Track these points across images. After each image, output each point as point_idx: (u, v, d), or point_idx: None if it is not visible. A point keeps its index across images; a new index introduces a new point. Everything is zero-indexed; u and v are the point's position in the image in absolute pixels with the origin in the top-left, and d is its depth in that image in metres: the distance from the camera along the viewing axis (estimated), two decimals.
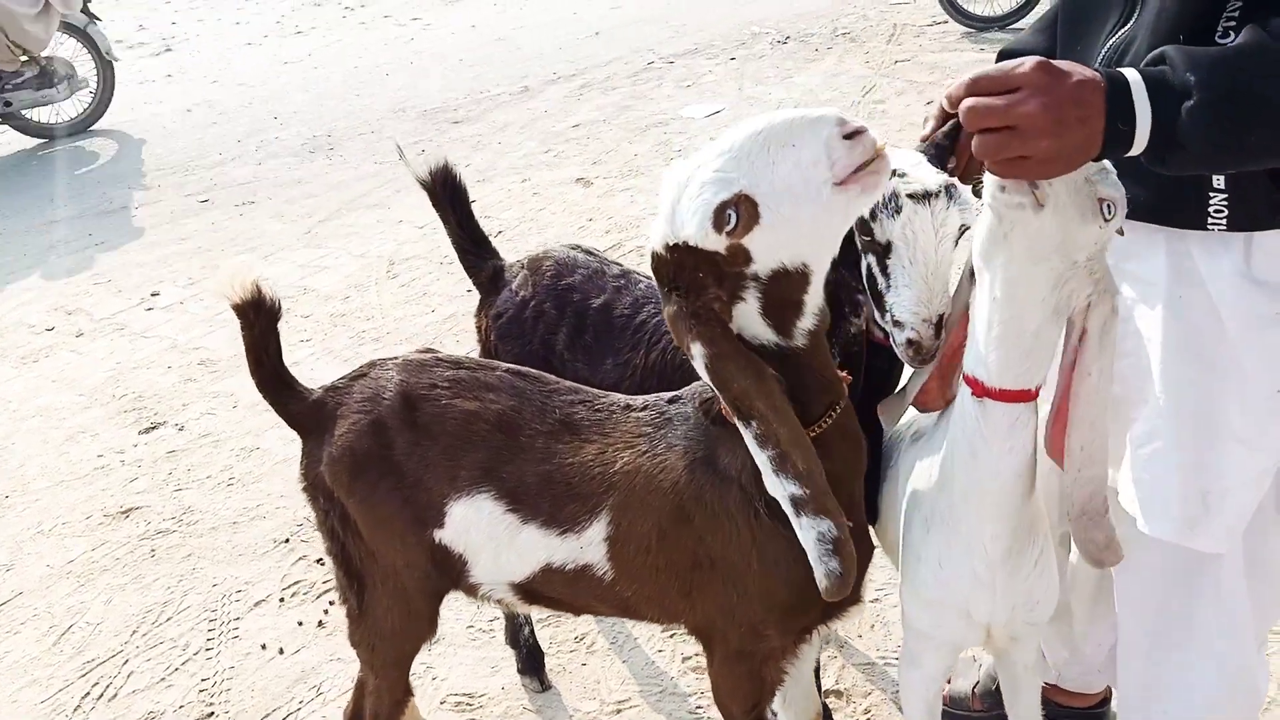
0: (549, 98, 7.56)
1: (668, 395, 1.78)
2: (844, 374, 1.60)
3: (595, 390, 1.86)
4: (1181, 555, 1.56)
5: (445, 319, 4.52)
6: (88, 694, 2.71)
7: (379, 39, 10.30)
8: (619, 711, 2.47)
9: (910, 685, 1.76)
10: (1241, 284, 1.42)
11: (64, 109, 7.83)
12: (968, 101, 1.24)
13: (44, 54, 7.28)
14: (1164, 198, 1.39)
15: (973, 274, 1.51)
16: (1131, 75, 1.24)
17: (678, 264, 1.43)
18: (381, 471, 1.83)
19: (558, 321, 2.17)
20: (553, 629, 2.74)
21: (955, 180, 1.64)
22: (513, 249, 4.79)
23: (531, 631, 2.56)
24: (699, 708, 2.45)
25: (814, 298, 1.47)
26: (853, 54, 7.49)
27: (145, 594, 3.07)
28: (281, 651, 2.80)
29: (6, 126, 7.65)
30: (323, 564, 3.11)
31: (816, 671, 2.18)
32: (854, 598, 1.74)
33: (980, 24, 7.55)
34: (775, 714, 2.07)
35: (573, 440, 1.78)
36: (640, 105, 7.06)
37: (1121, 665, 1.75)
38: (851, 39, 7.89)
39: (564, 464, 1.76)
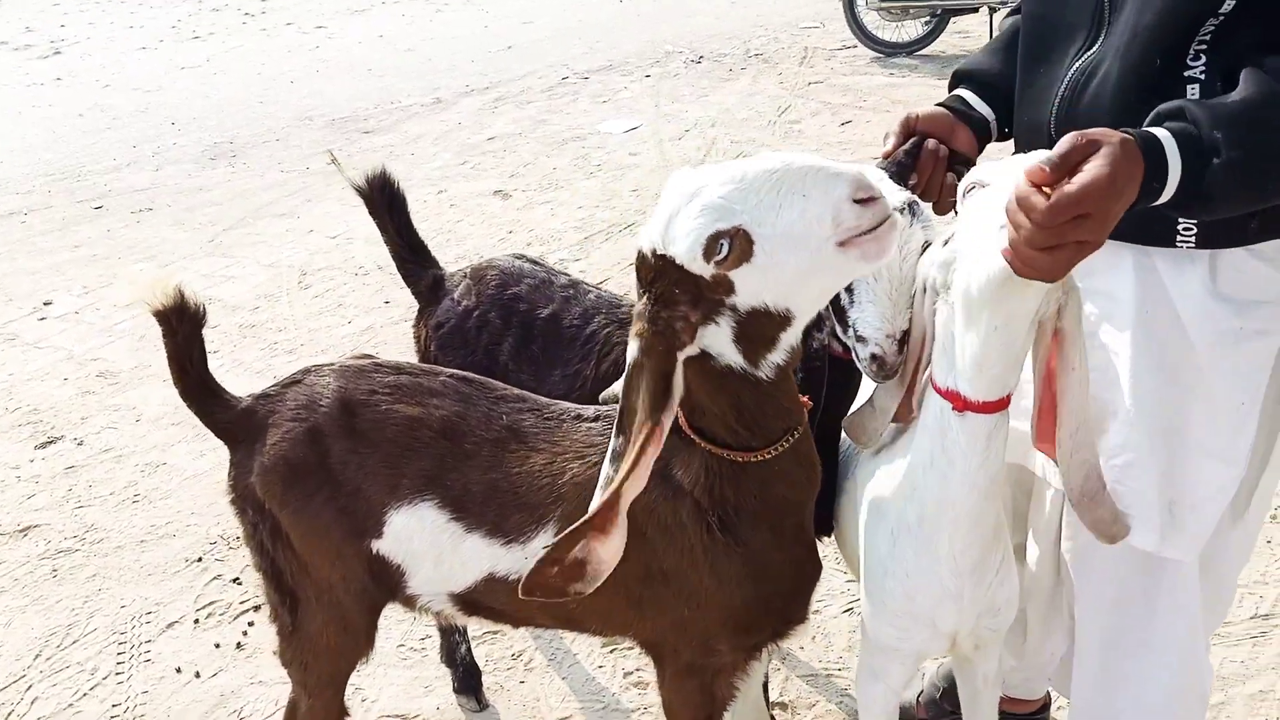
0: (463, 110, 7.48)
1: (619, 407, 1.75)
2: (804, 398, 1.59)
3: (544, 398, 1.82)
4: (1141, 562, 1.59)
5: (363, 330, 4.40)
6: None
7: (281, 46, 10.07)
8: None
9: (872, 699, 1.75)
10: (1208, 300, 1.46)
11: None
12: (1058, 206, 1.17)
13: None
14: (1133, 217, 1.42)
15: (926, 289, 1.51)
16: (1163, 135, 1.26)
17: (658, 271, 1.39)
18: (317, 481, 1.76)
19: (503, 331, 2.12)
20: (489, 646, 2.67)
21: (916, 198, 1.65)
22: None
23: (468, 649, 2.48)
24: None
25: (789, 338, 1.44)
26: (766, 75, 7.60)
27: (48, 616, 2.89)
28: (198, 675, 2.66)
29: None
30: (240, 584, 2.98)
31: (765, 686, 2.17)
32: (801, 616, 1.74)
33: (888, 49, 7.75)
34: None
35: (520, 449, 1.73)
36: (557, 119, 7.03)
37: (1077, 670, 1.78)
38: (765, 60, 8.01)
39: (511, 473, 1.72)
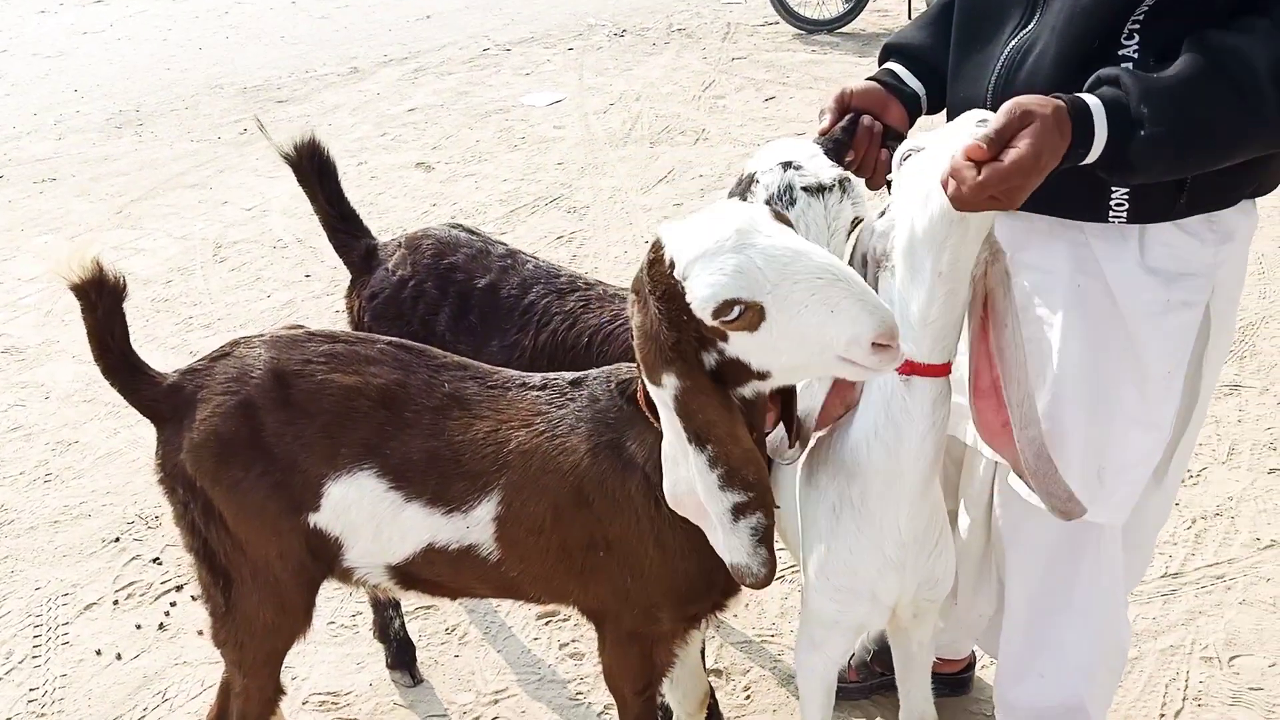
0: (381, 80, 7.32)
1: (569, 376, 1.75)
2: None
3: (487, 366, 1.80)
4: (1069, 529, 1.65)
5: (283, 305, 4.29)
6: None
7: (188, 11, 9.72)
8: (496, 701, 2.41)
9: (812, 669, 1.77)
10: (1138, 273, 1.51)
11: None
12: (989, 181, 1.28)
13: None
14: (1066, 192, 1.46)
15: (867, 262, 1.53)
16: (1094, 103, 1.32)
17: (670, 291, 1.39)
18: (251, 456, 1.73)
19: (439, 302, 2.09)
20: (422, 621, 2.64)
21: (849, 174, 1.68)
22: None
23: (402, 624, 2.46)
24: (579, 694, 2.42)
25: (763, 387, 1.48)
26: (690, 50, 7.59)
27: None
28: (119, 657, 2.59)
29: None
30: (160, 564, 2.90)
31: (702, 653, 2.19)
32: (737, 588, 1.77)
33: (810, 26, 7.80)
34: (664, 695, 2.08)
35: (463, 416, 1.72)
36: (479, 91, 6.93)
37: (1005, 631, 1.84)
38: (687, 35, 8.00)
39: (453, 440, 1.70)
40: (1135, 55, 1.41)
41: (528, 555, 1.73)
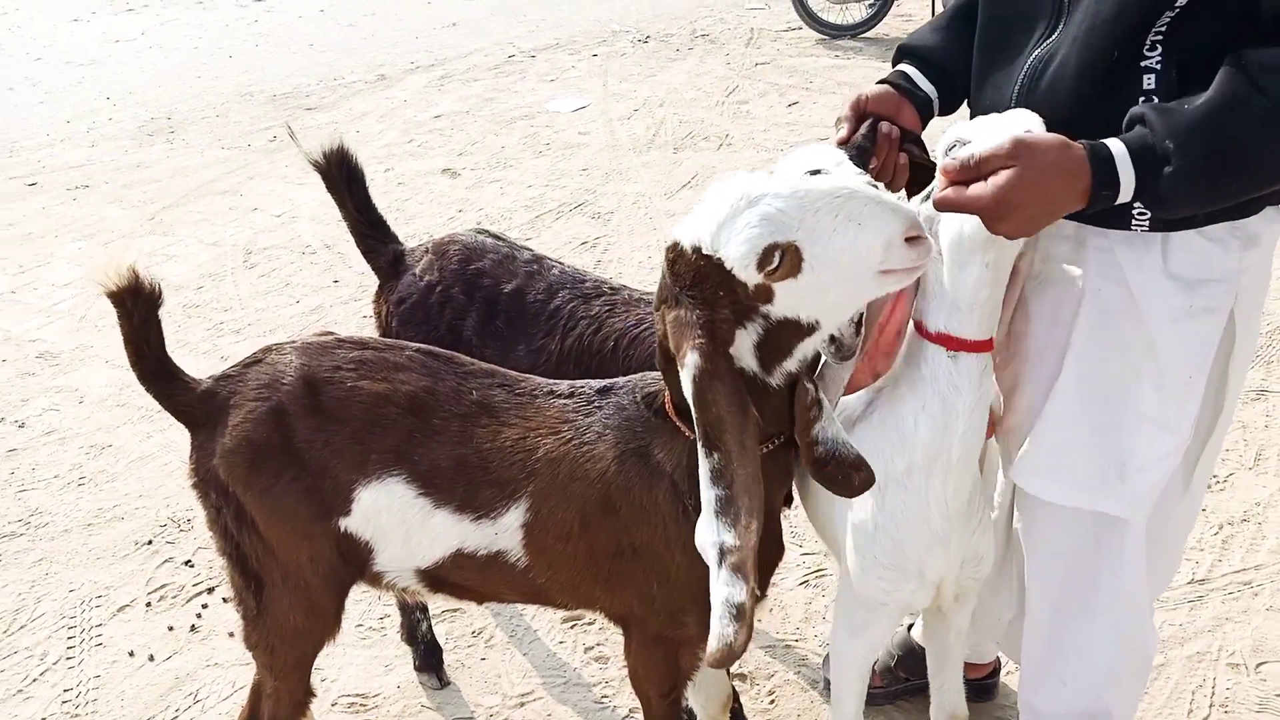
0: (408, 87, 7.38)
1: (597, 384, 1.77)
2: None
3: (514, 373, 1.82)
4: (1089, 528, 1.65)
5: (311, 310, 4.34)
6: None
7: (219, 20, 9.83)
8: (522, 704, 2.43)
9: (851, 657, 1.79)
10: (1159, 279, 1.51)
11: None
12: (949, 197, 1.36)
13: None
14: None
15: None
16: (1116, 147, 1.34)
17: (700, 273, 1.41)
18: (283, 461, 1.75)
19: (466, 307, 2.11)
20: (449, 624, 2.67)
21: (874, 181, 1.69)
22: None
23: (429, 627, 2.49)
24: (604, 698, 2.44)
25: (806, 348, 1.49)
26: (713, 55, 7.61)
27: None
28: (152, 659, 2.63)
29: None
30: (191, 566, 2.94)
31: None
32: (761, 593, 1.79)
33: (834, 31, 7.81)
34: (687, 699, 2.09)
35: (491, 423, 1.74)
36: (504, 98, 6.97)
37: (1027, 634, 1.84)
38: (711, 41, 8.02)
39: (481, 447, 1.72)
40: (1158, 66, 1.42)
41: (555, 562, 1.75)
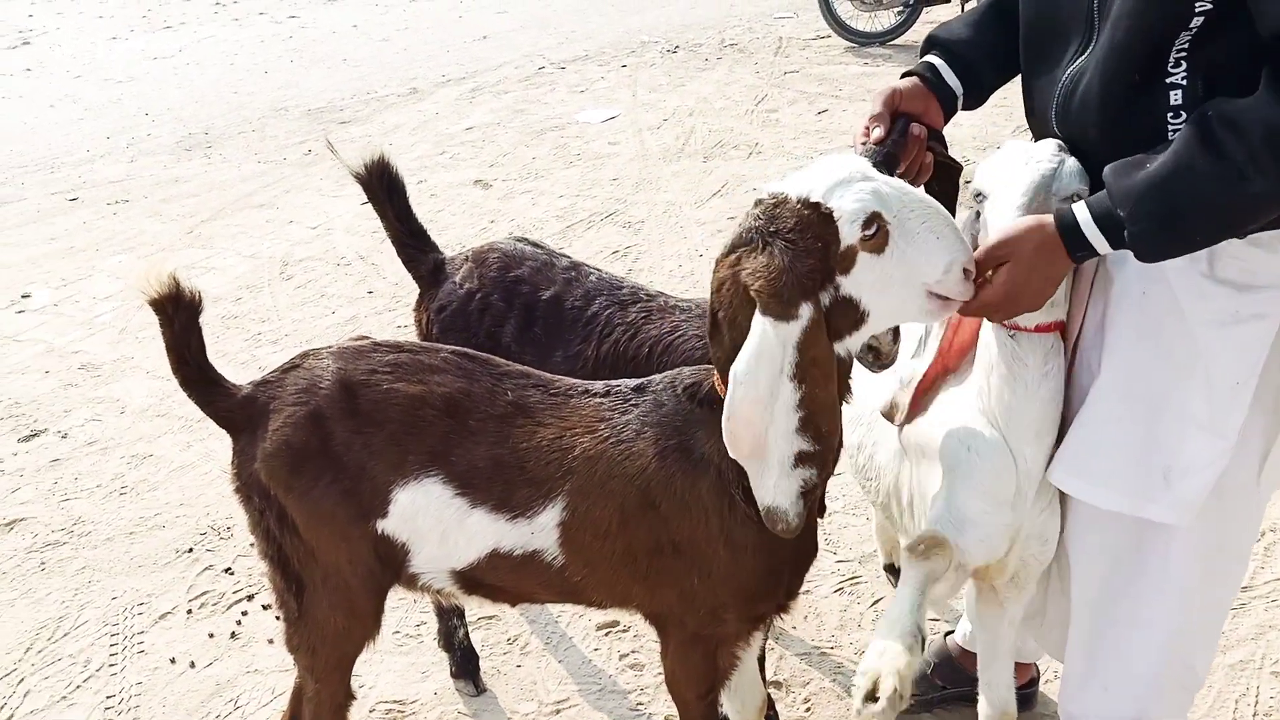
0: (439, 100, 7.45)
1: (632, 382, 1.78)
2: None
3: (547, 374, 1.84)
4: (1133, 533, 1.63)
5: (347, 320, 4.39)
6: None
7: (254, 36, 9.97)
8: (558, 711, 2.44)
9: (916, 570, 1.74)
10: (1205, 284, 1.51)
11: None
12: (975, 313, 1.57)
13: None
14: None
15: None
16: (1081, 214, 1.46)
17: (804, 220, 1.48)
18: (321, 464, 1.77)
19: (505, 314, 2.13)
20: (484, 631, 2.69)
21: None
22: None
23: (466, 634, 2.50)
24: (639, 704, 2.44)
25: (852, 343, 1.58)
26: (742, 64, 7.63)
27: (37, 609, 2.88)
28: (193, 665, 2.66)
29: None
30: (231, 574, 2.98)
31: (761, 661, 2.21)
32: (797, 590, 1.83)
33: (862, 39, 7.80)
34: (722, 705, 2.09)
35: (527, 423, 1.76)
36: (534, 109, 7.03)
37: (1070, 638, 1.81)
38: (739, 50, 8.04)
39: (517, 447, 1.74)
40: (1184, 82, 1.43)
41: (593, 560, 1.76)
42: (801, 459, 1.53)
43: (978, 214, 1.64)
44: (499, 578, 1.83)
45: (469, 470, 1.74)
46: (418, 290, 2.31)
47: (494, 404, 1.76)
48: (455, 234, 5.09)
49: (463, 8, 10.49)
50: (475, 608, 2.59)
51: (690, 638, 1.82)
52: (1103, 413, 1.60)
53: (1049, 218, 1.48)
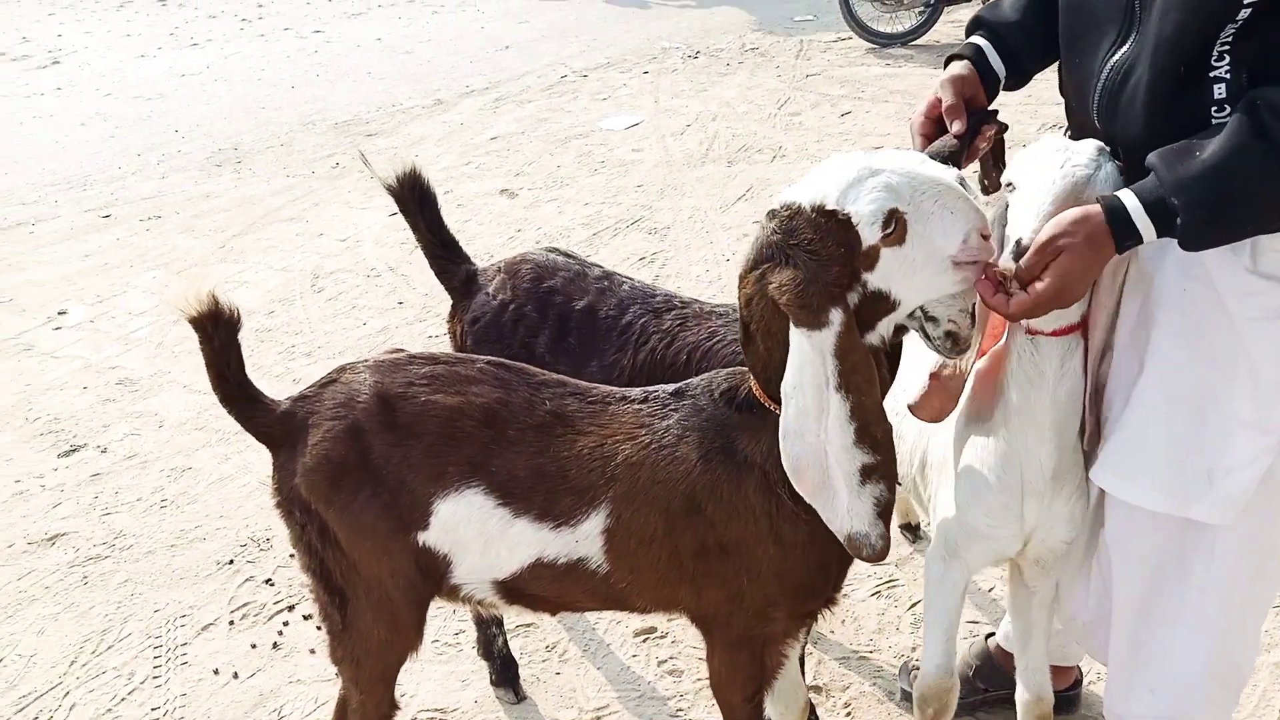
0: (464, 110, 7.50)
1: (669, 388, 1.79)
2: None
3: (584, 382, 1.85)
4: (1176, 532, 1.63)
5: (378, 332, 4.42)
6: None
7: (280, 51, 10.06)
8: (598, 718, 2.45)
9: (942, 576, 1.87)
10: (1248, 278, 1.50)
11: None
12: (1025, 308, 1.52)
13: None
14: None
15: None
16: (1130, 201, 1.44)
17: (822, 230, 1.50)
18: (361, 477, 1.78)
19: (539, 324, 2.15)
20: (523, 639, 2.70)
21: (962, 175, 1.69)
22: None
23: (505, 642, 2.52)
24: (679, 711, 2.44)
25: (884, 328, 1.59)
26: (764, 68, 7.63)
27: (81, 623, 2.92)
28: (236, 676, 2.69)
29: None
30: (272, 584, 3.01)
31: (801, 662, 2.21)
32: (840, 585, 1.85)
33: (884, 40, 7.78)
34: (765, 708, 2.09)
35: (566, 432, 1.77)
36: (558, 118, 7.06)
37: (1113, 643, 1.81)
38: (761, 54, 8.04)
39: (558, 456, 1.75)
40: (1227, 75, 1.43)
41: (638, 566, 1.77)
42: (866, 473, 1.54)
43: (1007, 206, 1.64)
44: (542, 587, 1.84)
45: (510, 480, 1.75)
46: (448, 301, 2.33)
47: (533, 413, 1.77)
48: (483, 243, 5.12)
49: (484, 19, 10.55)
50: (514, 616, 2.60)
51: (737, 639, 1.82)
52: (1145, 413, 1.59)
53: (1094, 208, 1.47)
